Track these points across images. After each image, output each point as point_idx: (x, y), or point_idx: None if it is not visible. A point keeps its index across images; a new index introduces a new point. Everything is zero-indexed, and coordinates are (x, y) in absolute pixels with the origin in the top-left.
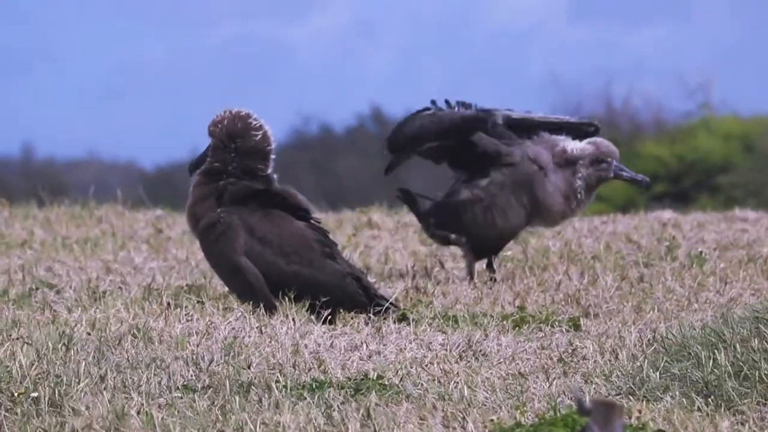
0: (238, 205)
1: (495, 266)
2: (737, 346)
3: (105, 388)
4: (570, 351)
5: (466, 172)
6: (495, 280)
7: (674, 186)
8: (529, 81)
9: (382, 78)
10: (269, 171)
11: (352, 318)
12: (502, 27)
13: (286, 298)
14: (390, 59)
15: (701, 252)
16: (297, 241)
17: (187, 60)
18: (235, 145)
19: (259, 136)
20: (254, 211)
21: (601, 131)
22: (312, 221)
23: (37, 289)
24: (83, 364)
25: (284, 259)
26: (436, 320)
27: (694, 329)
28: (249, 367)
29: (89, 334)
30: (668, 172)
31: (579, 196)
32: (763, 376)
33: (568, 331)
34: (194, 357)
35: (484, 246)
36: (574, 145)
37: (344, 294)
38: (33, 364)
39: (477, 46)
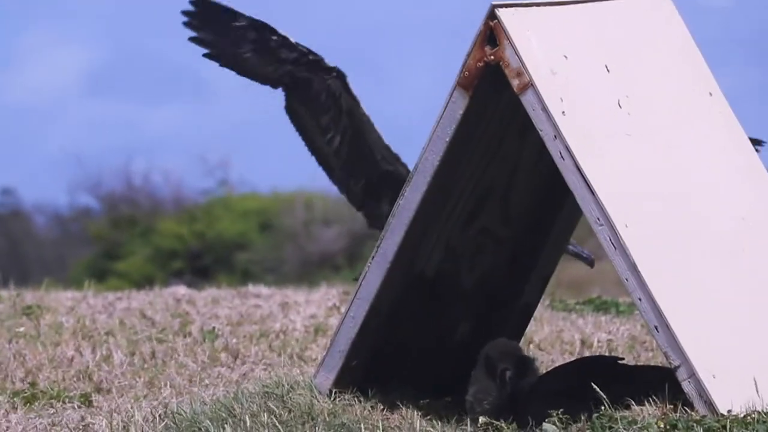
0: None
1: None
2: (247, 420)
3: None
4: (81, 427)
5: None
6: None
7: (194, 263)
8: (48, 157)
9: None
10: None
11: None
12: (19, 104)
13: None
14: None
15: (214, 327)
16: None
17: None
18: None
19: None
20: None
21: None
22: None
23: None
24: None
25: None
26: None
27: (205, 404)
28: None
29: None
30: (188, 250)
31: None
32: None
33: (80, 407)
34: None
35: None
36: None
37: None
38: None
39: None
